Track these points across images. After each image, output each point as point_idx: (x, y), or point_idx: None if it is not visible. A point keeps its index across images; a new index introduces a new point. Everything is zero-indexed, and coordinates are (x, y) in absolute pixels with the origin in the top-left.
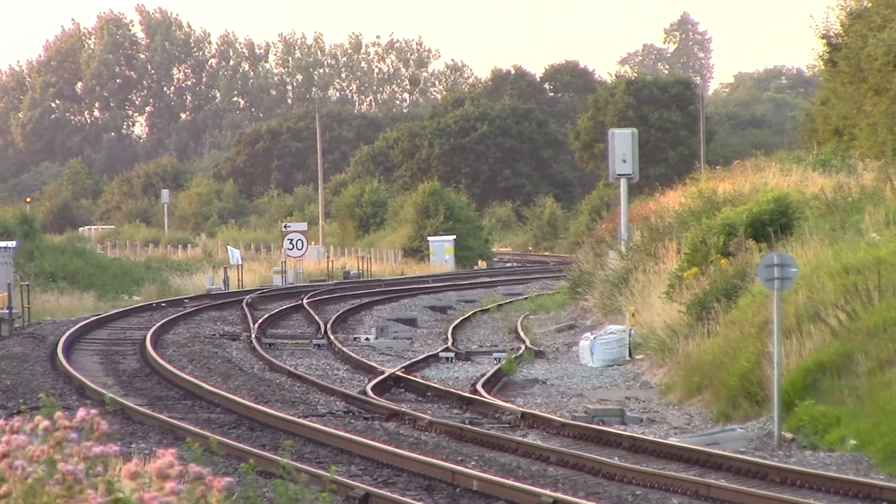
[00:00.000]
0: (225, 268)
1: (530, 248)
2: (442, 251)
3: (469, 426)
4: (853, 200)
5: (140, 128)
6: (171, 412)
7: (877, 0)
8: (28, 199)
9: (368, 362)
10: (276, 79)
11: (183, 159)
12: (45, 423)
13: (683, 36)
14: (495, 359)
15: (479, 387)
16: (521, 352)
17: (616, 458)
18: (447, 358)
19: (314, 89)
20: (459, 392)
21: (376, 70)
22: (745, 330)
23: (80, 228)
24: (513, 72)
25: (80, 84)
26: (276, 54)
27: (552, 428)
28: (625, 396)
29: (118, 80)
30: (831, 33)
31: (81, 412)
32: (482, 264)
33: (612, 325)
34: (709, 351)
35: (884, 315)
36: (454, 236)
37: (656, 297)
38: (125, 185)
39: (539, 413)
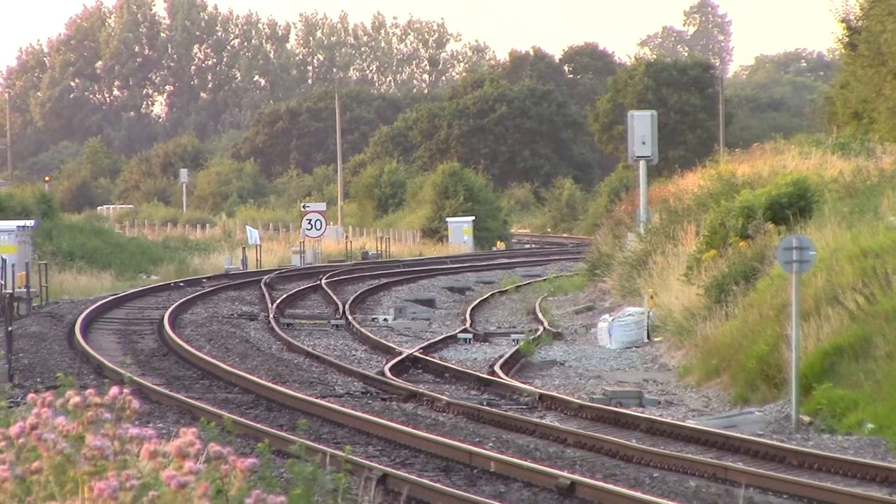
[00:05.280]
0: (243, 248)
1: (549, 229)
2: (460, 232)
3: (487, 407)
4: (872, 184)
5: (160, 107)
6: (189, 392)
7: None
8: (47, 178)
9: (386, 343)
10: (297, 59)
11: (202, 139)
12: (76, 398)
13: (703, 18)
14: (513, 340)
15: (497, 368)
16: (539, 333)
17: (634, 441)
18: (465, 339)
19: (335, 69)
20: (477, 373)
21: (396, 50)
22: (763, 313)
23: (99, 207)
24: (532, 54)
25: (99, 63)
26: (297, 34)
27: (570, 410)
28: (643, 379)
29: (138, 59)
30: (851, 17)
31: (114, 390)
32: (500, 245)
33: (630, 307)
34: (727, 334)
35: None
36: (473, 217)
37: (675, 279)
38: (144, 165)
39: (557, 395)
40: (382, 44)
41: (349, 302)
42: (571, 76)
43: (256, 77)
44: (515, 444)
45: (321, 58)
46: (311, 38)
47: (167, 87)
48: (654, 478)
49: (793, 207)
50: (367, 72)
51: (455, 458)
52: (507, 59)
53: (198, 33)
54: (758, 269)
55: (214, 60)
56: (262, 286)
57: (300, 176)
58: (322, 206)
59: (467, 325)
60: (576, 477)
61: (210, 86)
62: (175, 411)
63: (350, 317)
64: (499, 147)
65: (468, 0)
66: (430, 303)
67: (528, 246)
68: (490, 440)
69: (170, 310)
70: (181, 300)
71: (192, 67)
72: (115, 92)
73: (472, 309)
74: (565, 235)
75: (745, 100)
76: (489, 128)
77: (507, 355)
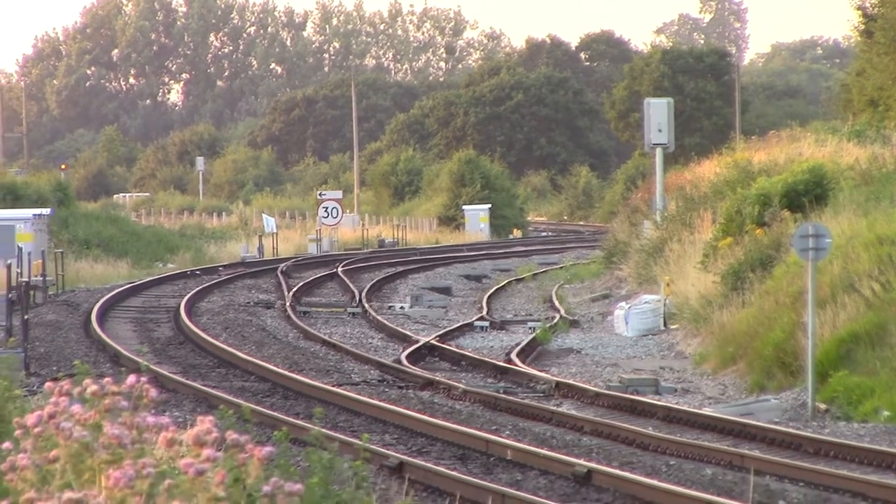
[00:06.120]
0: (259, 236)
1: (565, 217)
2: (477, 220)
3: (503, 395)
4: (888, 171)
5: (176, 95)
6: (205, 380)
7: None
8: (63, 167)
9: (403, 331)
10: (313, 46)
11: (219, 127)
12: (93, 387)
13: (719, 6)
14: (530, 328)
15: (513, 356)
16: (555, 321)
17: (650, 428)
18: (482, 327)
19: (351, 57)
20: (494, 361)
21: (412, 38)
22: (779, 300)
23: (115, 196)
24: (548, 41)
25: (115, 51)
26: (314, 22)
27: (586, 397)
28: (659, 366)
29: (154, 48)
30: (867, 4)
31: (132, 378)
32: (517, 233)
33: (646, 294)
34: (743, 321)
35: None
36: (489, 205)
37: (691, 266)
38: (160, 153)
39: (573, 382)
40: (399, 31)
41: (365, 290)
42: (588, 64)
43: (273, 65)
44: (532, 432)
45: (337, 46)
46: (327, 26)
47: (183, 76)
48: (670, 465)
49: (809, 195)
50: (384, 60)
51: (472, 447)
52: (523, 46)
53: (214, 21)
54: (774, 256)
55: (231, 48)
56: (279, 274)
57: (316, 164)
58: (338, 194)
59: (484, 312)
60: (592, 465)
61: (226, 74)
62: (191, 400)
63: (366, 305)
64: (515, 135)
65: None
66: (446, 291)
67: (544, 234)
68: (507, 428)
69: (186, 298)
70: (197, 288)
71: (209, 55)
72: (132, 80)
73: (489, 297)
74: (581, 223)
75: (761, 87)
76: (505, 115)
77: (523, 343)
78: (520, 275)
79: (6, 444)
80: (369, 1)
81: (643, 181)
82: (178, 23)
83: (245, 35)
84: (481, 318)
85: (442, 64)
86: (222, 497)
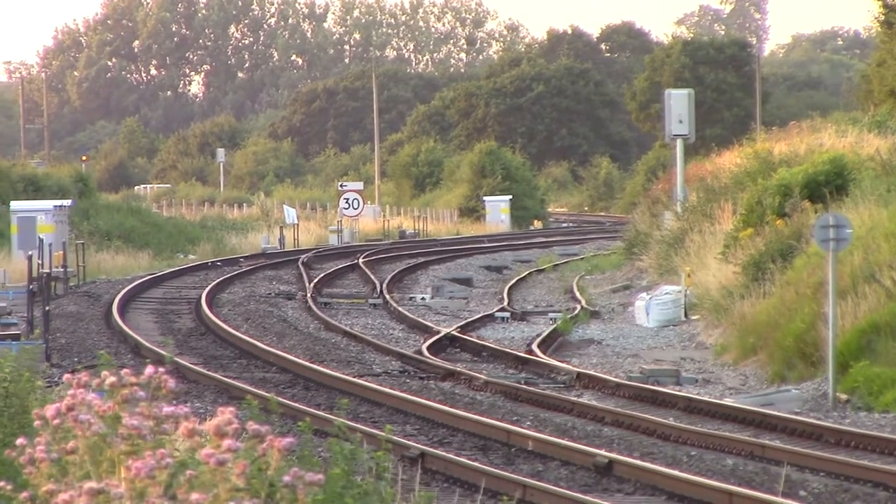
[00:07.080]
0: (280, 227)
1: (586, 208)
2: (498, 211)
3: (524, 386)
4: None
5: (197, 86)
6: (226, 371)
7: None
8: (84, 158)
9: (424, 322)
10: (334, 38)
11: (239, 118)
12: (112, 378)
13: None
14: (551, 319)
15: (534, 347)
16: (576, 312)
17: (671, 419)
18: (503, 318)
19: (371, 48)
20: (515, 352)
21: (433, 30)
22: (800, 291)
23: (136, 187)
24: (569, 32)
25: (136, 42)
26: (334, 13)
27: (607, 388)
28: (680, 357)
29: (175, 39)
30: None
31: (149, 369)
32: (538, 224)
33: (667, 285)
34: (764, 312)
35: None
36: (510, 196)
37: (712, 257)
38: (181, 144)
39: (594, 373)
40: (420, 23)
41: (386, 281)
42: (608, 55)
43: (293, 56)
44: (553, 422)
45: (358, 37)
46: (348, 18)
47: (204, 67)
48: (691, 456)
49: (829, 185)
50: (404, 51)
51: (493, 437)
52: (544, 37)
53: (234, 12)
54: (795, 247)
55: (251, 39)
56: (300, 265)
57: (337, 155)
58: (359, 186)
59: (505, 303)
60: (613, 455)
61: (247, 65)
62: (213, 391)
63: (387, 296)
64: (536, 126)
65: None
66: (467, 282)
67: (565, 225)
68: (528, 419)
69: (207, 289)
70: (218, 280)
71: (229, 47)
72: (153, 71)
73: (510, 288)
74: (602, 214)
75: (781, 78)
76: (526, 107)
77: (544, 334)
78: (541, 266)
79: (20, 441)
80: None
81: (664, 172)
82: (199, 14)
83: (266, 26)
84: (502, 309)
85: (463, 55)
86: (243, 488)
